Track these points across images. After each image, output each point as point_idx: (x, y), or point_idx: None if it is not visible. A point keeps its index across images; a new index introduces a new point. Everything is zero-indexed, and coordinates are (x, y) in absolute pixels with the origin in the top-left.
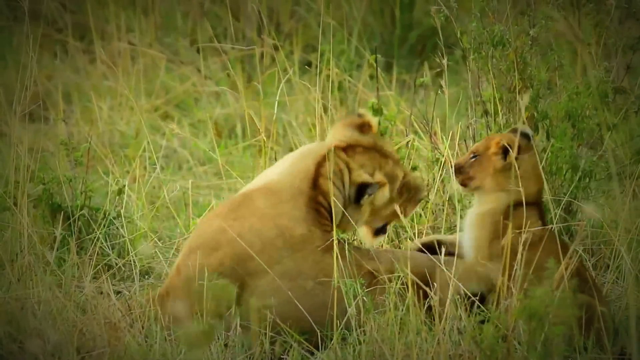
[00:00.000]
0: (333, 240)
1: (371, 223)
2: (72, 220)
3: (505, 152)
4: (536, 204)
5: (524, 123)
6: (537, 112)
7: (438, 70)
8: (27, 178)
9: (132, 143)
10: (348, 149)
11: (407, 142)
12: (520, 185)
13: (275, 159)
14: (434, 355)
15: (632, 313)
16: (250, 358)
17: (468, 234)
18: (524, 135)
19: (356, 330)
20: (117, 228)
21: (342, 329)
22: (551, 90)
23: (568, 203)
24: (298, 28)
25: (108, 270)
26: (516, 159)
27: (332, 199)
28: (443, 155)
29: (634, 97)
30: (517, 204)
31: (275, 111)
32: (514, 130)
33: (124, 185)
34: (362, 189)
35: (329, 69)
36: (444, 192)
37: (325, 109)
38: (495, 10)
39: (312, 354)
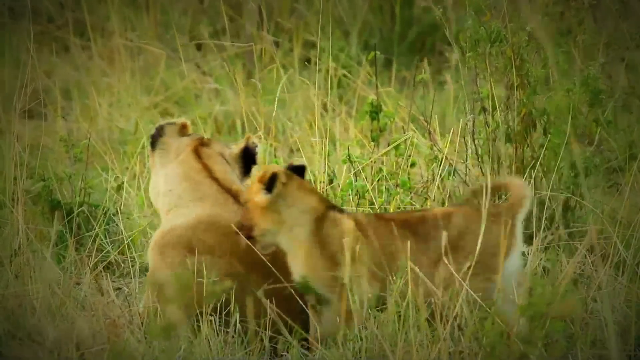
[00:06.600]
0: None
1: None
2: (71, 217)
3: (267, 186)
4: (332, 209)
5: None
6: (534, 109)
7: (445, 64)
8: (26, 174)
9: (131, 139)
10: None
11: (406, 139)
12: (296, 208)
13: (275, 156)
14: (435, 352)
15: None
16: (249, 355)
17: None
18: (294, 168)
19: (357, 326)
20: (117, 225)
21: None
22: (548, 86)
23: (567, 199)
24: (298, 25)
25: (107, 267)
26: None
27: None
28: (442, 152)
29: (625, 93)
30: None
31: (275, 108)
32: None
33: (123, 182)
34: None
35: (329, 66)
36: (443, 189)
37: (324, 106)
38: (492, 7)
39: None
